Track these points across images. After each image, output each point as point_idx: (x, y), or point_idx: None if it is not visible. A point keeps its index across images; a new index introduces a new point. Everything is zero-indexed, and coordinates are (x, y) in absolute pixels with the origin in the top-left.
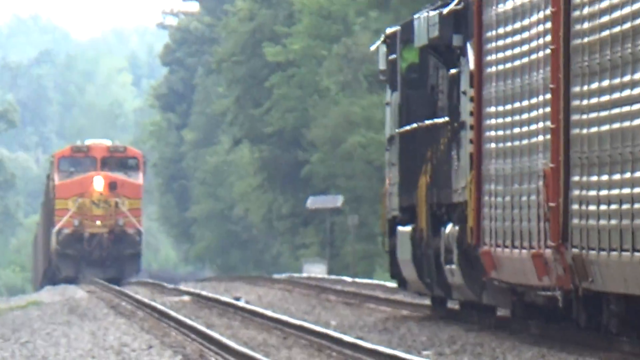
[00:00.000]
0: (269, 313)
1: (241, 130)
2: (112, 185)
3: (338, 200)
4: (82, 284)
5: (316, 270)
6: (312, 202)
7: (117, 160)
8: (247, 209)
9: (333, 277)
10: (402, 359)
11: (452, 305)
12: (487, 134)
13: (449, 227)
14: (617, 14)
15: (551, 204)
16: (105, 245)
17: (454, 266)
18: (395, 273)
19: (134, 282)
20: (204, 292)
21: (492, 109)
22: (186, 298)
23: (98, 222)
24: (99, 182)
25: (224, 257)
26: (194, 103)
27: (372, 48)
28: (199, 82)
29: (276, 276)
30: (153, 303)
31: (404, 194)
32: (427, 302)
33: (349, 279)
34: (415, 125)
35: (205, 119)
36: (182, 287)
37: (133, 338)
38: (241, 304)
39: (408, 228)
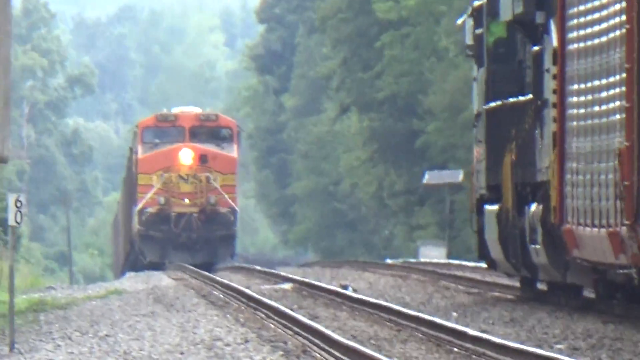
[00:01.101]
0: (381, 303)
1: (348, 96)
2: (202, 159)
3: (458, 175)
4: (168, 270)
5: (434, 254)
6: (430, 178)
7: (208, 130)
8: (355, 185)
9: (453, 261)
10: (531, 354)
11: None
12: (569, 112)
13: (534, 206)
14: None
15: (626, 183)
16: (195, 227)
17: (538, 246)
18: (484, 253)
19: (228, 268)
20: (306, 279)
21: (574, 86)
22: (286, 286)
23: (186, 200)
24: (187, 155)
25: (328, 240)
26: (294, 65)
27: (459, 22)
28: (301, 42)
29: (388, 261)
30: (249, 291)
31: (490, 172)
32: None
33: (470, 264)
34: (500, 102)
35: (308, 83)
36: (282, 273)
37: (227, 331)
38: (349, 292)
39: (495, 207)
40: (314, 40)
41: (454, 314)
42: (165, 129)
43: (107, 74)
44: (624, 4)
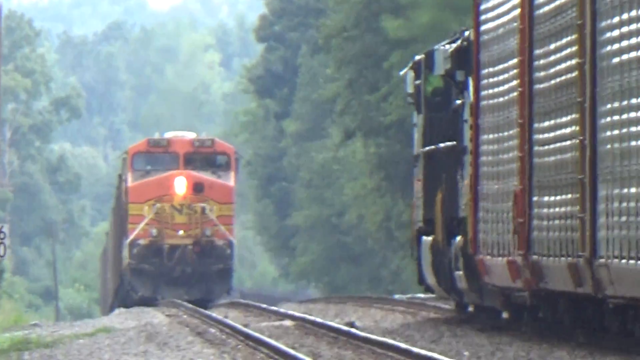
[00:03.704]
0: (388, 341)
1: (354, 120)
2: (197, 187)
3: None
4: (161, 306)
5: None
6: None
7: (203, 157)
8: (361, 215)
9: None
10: None
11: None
12: (481, 158)
13: (458, 239)
14: (558, 67)
15: (520, 220)
16: (189, 260)
17: (460, 272)
18: (422, 280)
19: (224, 304)
20: (309, 316)
21: (485, 137)
22: (288, 323)
23: (180, 232)
24: (181, 184)
25: (332, 274)
26: (296, 87)
27: (401, 73)
28: (303, 62)
29: (397, 297)
30: (247, 329)
31: (426, 208)
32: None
33: None
34: (434, 146)
35: (311, 107)
36: (283, 309)
37: None
38: (354, 330)
39: (429, 239)
40: (318, 60)
41: (466, 353)
42: (157, 155)
43: (95, 96)
44: (519, 69)
